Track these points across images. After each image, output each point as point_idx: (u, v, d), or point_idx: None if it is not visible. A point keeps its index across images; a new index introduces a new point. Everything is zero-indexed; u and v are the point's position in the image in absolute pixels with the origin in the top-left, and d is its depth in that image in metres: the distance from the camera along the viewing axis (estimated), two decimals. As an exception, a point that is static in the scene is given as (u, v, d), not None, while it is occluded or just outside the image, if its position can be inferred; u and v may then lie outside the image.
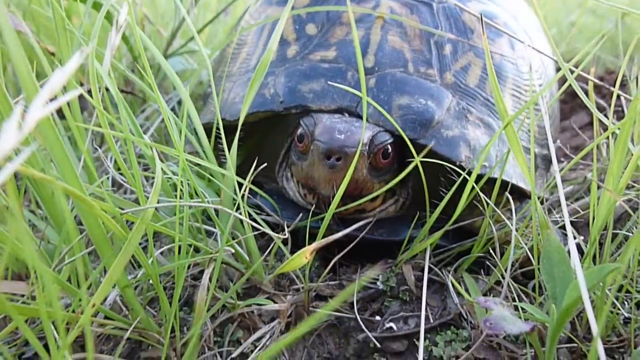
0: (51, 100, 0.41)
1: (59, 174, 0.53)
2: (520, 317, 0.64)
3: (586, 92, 1.88)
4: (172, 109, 1.17)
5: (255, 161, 0.83)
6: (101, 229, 0.55)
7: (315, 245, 0.56)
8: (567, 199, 1.11)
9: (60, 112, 1.12)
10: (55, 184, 0.48)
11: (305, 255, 0.58)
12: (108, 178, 0.84)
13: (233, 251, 0.71)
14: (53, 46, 1.15)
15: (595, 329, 0.52)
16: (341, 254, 0.74)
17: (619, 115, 1.37)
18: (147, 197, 0.75)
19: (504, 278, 0.82)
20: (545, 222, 0.72)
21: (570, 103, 1.89)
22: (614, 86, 0.95)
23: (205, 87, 1.36)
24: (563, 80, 1.19)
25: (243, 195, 0.70)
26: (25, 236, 0.39)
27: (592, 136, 1.48)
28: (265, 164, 0.81)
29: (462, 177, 0.76)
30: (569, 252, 0.68)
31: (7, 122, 0.36)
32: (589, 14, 3.34)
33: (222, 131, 0.72)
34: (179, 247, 0.64)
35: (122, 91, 1.16)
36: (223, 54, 1.11)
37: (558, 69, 1.22)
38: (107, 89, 0.81)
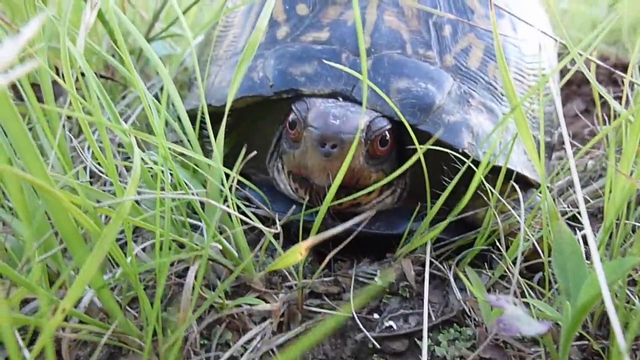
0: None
1: (23, 162, 0.47)
2: (532, 316, 0.59)
3: (586, 80, 1.84)
4: (155, 97, 1.10)
5: (244, 150, 0.78)
6: (72, 225, 0.50)
7: (311, 241, 0.51)
8: (568, 188, 1.07)
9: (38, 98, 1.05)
10: (18, 174, 0.42)
11: (299, 251, 0.53)
12: (85, 169, 0.78)
13: (220, 247, 0.66)
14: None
15: (618, 329, 0.47)
16: (337, 249, 0.69)
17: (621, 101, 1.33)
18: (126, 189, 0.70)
19: (509, 272, 0.78)
20: (555, 212, 0.67)
21: (565, 90, 1.85)
22: (613, 73, 0.91)
23: (190, 73, 1.29)
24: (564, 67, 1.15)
25: (231, 187, 0.64)
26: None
27: (592, 123, 1.45)
28: (255, 153, 0.75)
29: (466, 165, 0.71)
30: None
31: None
32: (580, 1, 3.32)
33: (207, 117, 0.66)
34: (161, 244, 0.58)
35: (101, 76, 1.09)
36: (208, 37, 1.05)
37: (560, 54, 1.17)
38: (83, 74, 0.75)
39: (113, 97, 1.12)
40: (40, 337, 0.45)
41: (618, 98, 1.58)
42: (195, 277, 0.64)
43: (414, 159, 0.60)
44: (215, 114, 0.80)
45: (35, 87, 0.92)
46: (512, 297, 0.57)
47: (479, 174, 0.72)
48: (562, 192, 1.06)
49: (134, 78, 0.60)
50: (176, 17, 1.12)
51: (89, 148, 0.88)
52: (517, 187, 0.76)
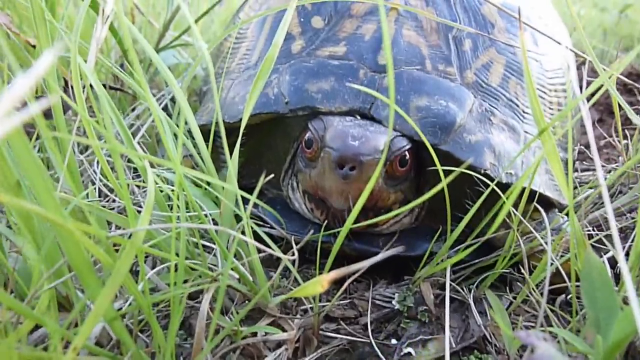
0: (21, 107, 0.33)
1: (34, 194, 0.45)
2: (561, 349, 0.57)
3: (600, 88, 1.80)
4: (165, 108, 1.08)
5: (258, 167, 0.75)
6: (84, 257, 0.47)
7: (334, 274, 0.49)
8: (587, 203, 1.04)
9: (46, 111, 1.03)
10: (30, 209, 0.39)
11: (321, 283, 0.50)
12: (95, 189, 0.75)
13: (236, 275, 0.63)
14: (35, 39, 1.06)
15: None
16: (355, 275, 0.66)
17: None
18: (138, 211, 0.67)
19: (532, 296, 0.75)
20: (583, 239, 0.65)
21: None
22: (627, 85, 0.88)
23: (199, 82, 1.27)
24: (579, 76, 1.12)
25: (246, 211, 0.62)
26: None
27: (607, 133, 1.42)
28: (272, 176, 0.73)
29: (489, 189, 0.69)
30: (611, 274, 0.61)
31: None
32: (590, 7, 3.28)
33: (224, 139, 0.63)
34: (175, 269, 0.56)
35: (110, 88, 1.07)
36: (220, 49, 1.03)
37: (578, 65, 1.14)
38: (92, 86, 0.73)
39: (123, 109, 1.09)
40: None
41: (634, 108, 1.54)
42: (210, 304, 0.61)
43: (436, 188, 0.57)
44: (227, 130, 0.78)
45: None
46: (541, 332, 0.54)
47: (503, 198, 0.70)
48: (580, 207, 1.03)
49: (147, 98, 0.58)
50: (187, 26, 1.10)
51: (97, 164, 0.86)
52: (541, 209, 0.74)
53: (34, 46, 1.05)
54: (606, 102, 1.75)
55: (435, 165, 0.68)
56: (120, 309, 0.60)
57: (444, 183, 0.59)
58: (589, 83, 0.85)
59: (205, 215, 0.70)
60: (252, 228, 0.68)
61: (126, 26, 0.70)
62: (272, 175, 0.69)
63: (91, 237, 0.52)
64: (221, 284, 0.54)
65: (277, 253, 0.60)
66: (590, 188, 1.11)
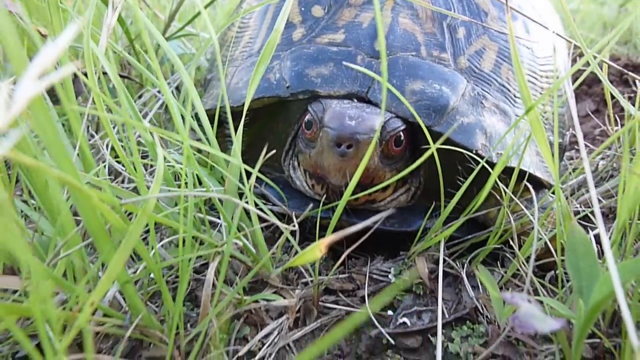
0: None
1: (53, 161, 0.48)
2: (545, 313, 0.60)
3: (597, 80, 1.83)
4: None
5: (263, 149, 0.79)
6: (99, 221, 0.51)
7: (330, 239, 0.52)
8: (579, 187, 1.07)
9: (53, 97, 1.07)
10: (49, 172, 0.43)
11: (319, 248, 0.54)
12: (105, 166, 0.79)
13: (239, 243, 0.67)
14: (45, 28, 1.10)
15: (631, 326, 0.49)
16: (352, 247, 0.70)
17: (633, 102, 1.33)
18: (148, 187, 0.71)
19: (522, 270, 0.79)
20: (568, 213, 0.68)
21: (575, 90, 1.85)
22: (624, 74, 0.92)
23: (203, 72, 1.31)
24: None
25: (250, 185, 0.66)
26: (15, 229, 0.35)
27: (603, 123, 1.45)
28: (274, 151, 0.77)
29: (479, 166, 0.72)
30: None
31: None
32: (589, 1, 3.30)
33: (229, 119, 0.67)
34: (183, 240, 0.60)
35: (119, 76, 1.11)
36: (224, 38, 1.07)
37: (574, 58, 1.18)
38: (103, 73, 0.77)
39: (130, 96, 1.13)
40: (70, 328, 0.47)
41: (629, 98, 1.58)
42: (215, 274, 0.65)
43: (426, 155, 0.61)
44: (232, 114, 0.81)
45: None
46: (527, 295, 0.58)
47: (494, 176, 0.73)
48: (574, 192, 1.07)
49: (160, 79, 0.61)
50: (191, 17, 1.14)
51: (108, 145, 0.90)
52: (530, 187, 0.77)
53: (44, 35, 1.09)
54: (602, 93, 1.78)
55: (429, 146, 0.72)
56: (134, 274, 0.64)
57: (432, 149, 0.62)
58: (580, 71, 0.89)
59: (212, 192, 0.74)
60: (255, 203, 0.72)
61: (138, 13, 0.74)
62: (273, 151, 0.72)
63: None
64: (226, 251, 0.58)
65: (279, 223, 0.64)
66: (582, 173, 1.15)
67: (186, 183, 0.64)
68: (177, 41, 1.25)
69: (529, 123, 0.67)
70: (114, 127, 0.91)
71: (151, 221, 0.58)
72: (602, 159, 1.32)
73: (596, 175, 1.12)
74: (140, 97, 1.14)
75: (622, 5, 2.94)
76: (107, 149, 0.89)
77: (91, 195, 0.48)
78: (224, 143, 0.85)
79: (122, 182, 0.95)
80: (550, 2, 1.17)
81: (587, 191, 1.05)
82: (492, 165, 0.75)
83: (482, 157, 0.76)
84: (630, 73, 0.87)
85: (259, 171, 0.94)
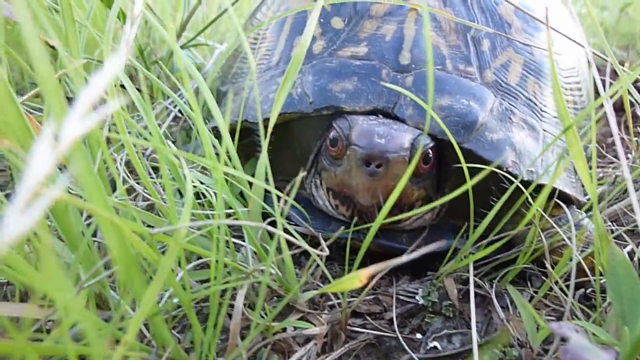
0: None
1: (83, 189, 0.46)
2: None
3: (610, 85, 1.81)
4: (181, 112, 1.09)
5: (276, 164, 0.77)
6: (130, 254, 0.48)
7: (373, 269, 0.50)
8: (599, 201, 1.06)
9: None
10: (93, 211, 0.41)
11: (359, 278, 0.52)
12: (132, 193, 0.76)
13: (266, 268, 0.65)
14: (46, 35, 1.06)
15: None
16: (381, 272, 0.68)
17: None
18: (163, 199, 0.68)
19: (553, 290, 0.77)
20: (606, 235, 0.66)
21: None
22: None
23: (215, 82, 1.28)
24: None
25: (281, 211, 0.63)
26: (60, 278, 0.32)
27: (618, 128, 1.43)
28: (304, 173, 0.74)
29: (514, 185, 0.70)
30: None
31: (39, 144, 0.29)
32: (590, 5, 3.30)
33: (262, 135, 0.65)
34: (215, 267, 0.58)
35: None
36: (237, 49, 1.04)
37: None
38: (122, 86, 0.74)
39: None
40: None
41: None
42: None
43: (462, 189, 0.59)
44: (245, 129, 0.79)
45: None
46: (573, 325, 0.56)
47: (525, 194, 0.71)
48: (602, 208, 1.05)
49: (197, 118, 0.59)
50: (202, 28, 1.11)
51: (122, 161, 0.87)
52: (564, 206, 0.75)
53: (52, 47, 1.06)
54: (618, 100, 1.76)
55: (456, 163, 0.69)
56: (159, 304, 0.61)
57: (469, 185, 0.60)
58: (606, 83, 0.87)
59: (235, 215, 0.71)
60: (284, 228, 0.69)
61: (154, 24, 0.71)
62: (303, 173, 0.70)
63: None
64: (262, 282, 0.55)
65: (310, 249, 0.61)
66: (602, 185, 1.13)
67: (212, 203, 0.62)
68: (186, 50, 1.23)
69: (568, 144, 0.64)
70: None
71: (182, 250, 0.55)
72: (615, 168, 1.31)
73: (612, 188, 1.10)
74: (152, 108, 1.10)
75: (622, 10, 2.93)
76: (121, 165, 0.86)
77: (123, 228, 0.46)
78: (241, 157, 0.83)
79: (135, 198, 0.92)
80: (567, 11, 1.15)
81: (609, 204, 1.04)
82: (520, 181, 0.73)
83: (511, 174, 0.74)
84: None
85: (279, 187, 0.93)
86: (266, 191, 0.72)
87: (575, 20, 1.04)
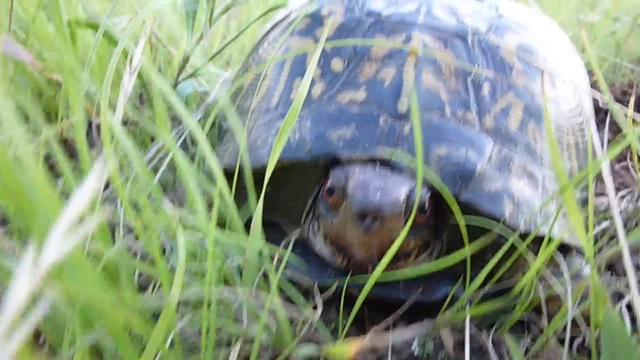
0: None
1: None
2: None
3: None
4: (183, 145, 1.10)
5: (272, 202, 0.77)
6: (121, 330, 0.49)
7: (360, 344, 0.50)
8: (597, 239, 1.04)
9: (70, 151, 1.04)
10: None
11: (348, 353, 0.52)
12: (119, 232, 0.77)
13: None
14: (58, 74, 1.07)
15: None
16: (379, 326, 0.68)
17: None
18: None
19: (550, 340, 0.76)
20: (602, 295, 0.66)
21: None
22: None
23: (213, 108, 1.28)
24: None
25: (276, 267, 0.63)
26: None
27: (620, 156, 1.42)
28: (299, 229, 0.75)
29: (511, 239, 0.70)
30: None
31: (19, 272, 0.29)
32: (602, 16, 3.26)
33: (250, 191, 0.65)
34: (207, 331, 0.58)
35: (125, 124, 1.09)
36: (239, 86, 1.04)
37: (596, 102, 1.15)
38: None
39: (144, 143, 1.11)
40: None
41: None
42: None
43: (461, 253, 0.59)
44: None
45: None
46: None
47: (523, 247, 0.71)
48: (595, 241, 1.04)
49: (186, 175, 0.59)
50: (207, 59, 1.12)
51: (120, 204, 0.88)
52: (560, 256, 0.75)
53: (58, 84, 1.07)
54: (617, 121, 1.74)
55: (452, 211, 0.69)
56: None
57: (467, 251, 0.60)
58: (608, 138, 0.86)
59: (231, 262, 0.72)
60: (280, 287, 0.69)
61: (153, 78, 0.72)
62: (298, 230, 0.70)
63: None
64: (255, 343, 0.56)
65: (305, 312, 0.61)
66: (605, 219, 1.12)
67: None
68: (190, 79, 1.23)
69: (564, 202, 0.64)
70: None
71: (173, 318, 0.56)
72: (622, 197, 1.29)
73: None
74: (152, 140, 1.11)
75: (636, 20, 2.89)
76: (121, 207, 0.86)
77: (117, 313, 0.46)
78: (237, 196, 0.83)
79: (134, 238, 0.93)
80: (568, 42, 1.14)
81: (610, 244, 1.02)
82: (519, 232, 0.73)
83: (508, 225, 0.74)
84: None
85: (275, 222, 0.93)
86: (264, 224, 0.72)
87: (574, 53, 1.04)
